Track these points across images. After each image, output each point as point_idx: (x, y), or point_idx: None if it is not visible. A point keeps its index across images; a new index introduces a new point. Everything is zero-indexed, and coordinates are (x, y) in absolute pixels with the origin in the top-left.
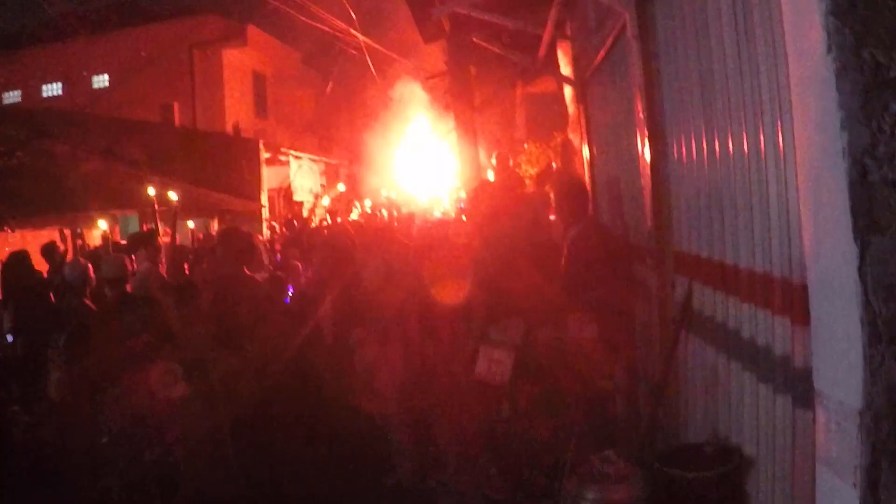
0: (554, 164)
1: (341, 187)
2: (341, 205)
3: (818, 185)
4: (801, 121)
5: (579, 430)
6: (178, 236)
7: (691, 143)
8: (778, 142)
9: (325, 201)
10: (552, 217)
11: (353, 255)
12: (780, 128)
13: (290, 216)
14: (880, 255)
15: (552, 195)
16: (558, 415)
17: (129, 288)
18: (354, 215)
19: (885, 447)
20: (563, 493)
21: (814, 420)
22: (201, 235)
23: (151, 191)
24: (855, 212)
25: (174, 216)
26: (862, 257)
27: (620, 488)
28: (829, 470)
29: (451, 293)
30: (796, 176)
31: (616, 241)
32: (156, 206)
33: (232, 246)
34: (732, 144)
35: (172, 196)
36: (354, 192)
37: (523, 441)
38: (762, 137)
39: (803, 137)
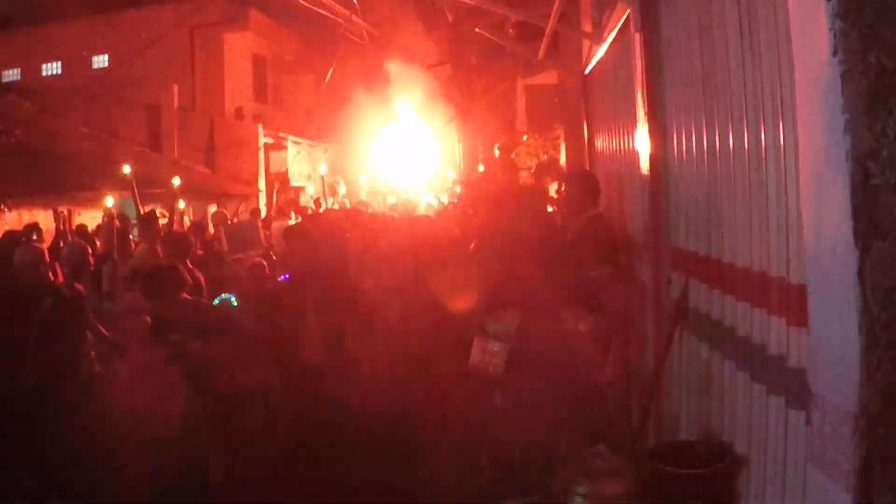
0: (545, 156)
1: (323, 169)
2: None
3: (820, 187)
4: (805, 122)
5: (572, 423)
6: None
7: (692, 139)
8: (779, 140)
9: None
10: (550, 209)
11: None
12: (781, 126)
13: (256, 206)
14: (880, 259)
15: (553, 187)
16: (551, 408)
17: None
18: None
19: (878, 451)
20: (555, 487)
21: (808, 422)
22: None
23: (127, 170)
24: (856, 215)
25: (174, 199)
26: (862, 261)
27: (612, 483)
28: (822, 472)
29: (448, 284)
30: (798, 177)
31: (618, 234)
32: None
33: (168, 246)
34: (733, 142)
35: (175, 180)
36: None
37: (515, 433)
38: (763, 136)
39: (807, 139)
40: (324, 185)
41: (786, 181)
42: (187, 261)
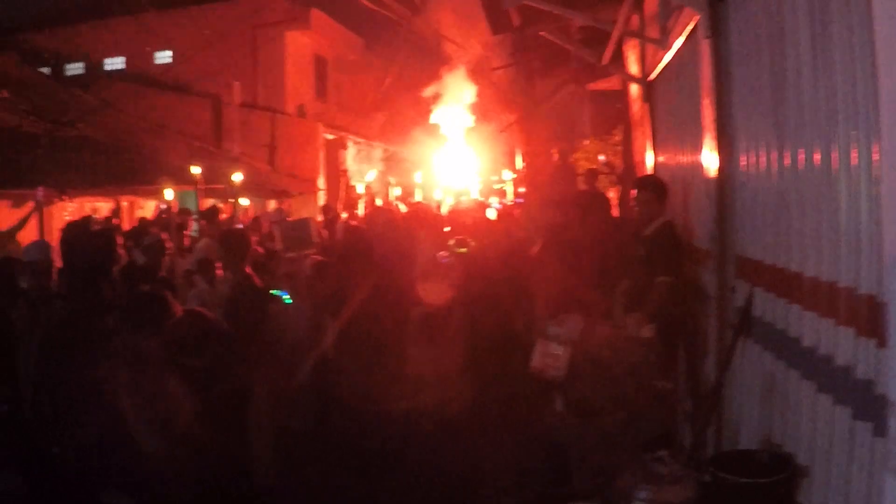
0: (602, 157)
1: (371, 175)
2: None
3: None
4: (890, 133)
5: (633, 429)
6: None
7: (760, 148)
8: (851, 152)
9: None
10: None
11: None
12: (856, 137)
13: (325, 203)
14: None
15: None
16: (612, 413)
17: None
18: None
19: None
20: (615, 492)
21: (878, 433)
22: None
23: (195, 171)
24: None
25: (235, 195)
26: None
27: (673, 490)
28: None
29: (511, 286)
30: (880, 190)
31: (686, 242)
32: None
33: (225, 245)
34: (804, 152)
35: (236, 176)
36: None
37: (575, 437)
38: (837, 146)
39: (891, 150)
40: (372, 187)
41: (858, 193)
42: (246, 263)
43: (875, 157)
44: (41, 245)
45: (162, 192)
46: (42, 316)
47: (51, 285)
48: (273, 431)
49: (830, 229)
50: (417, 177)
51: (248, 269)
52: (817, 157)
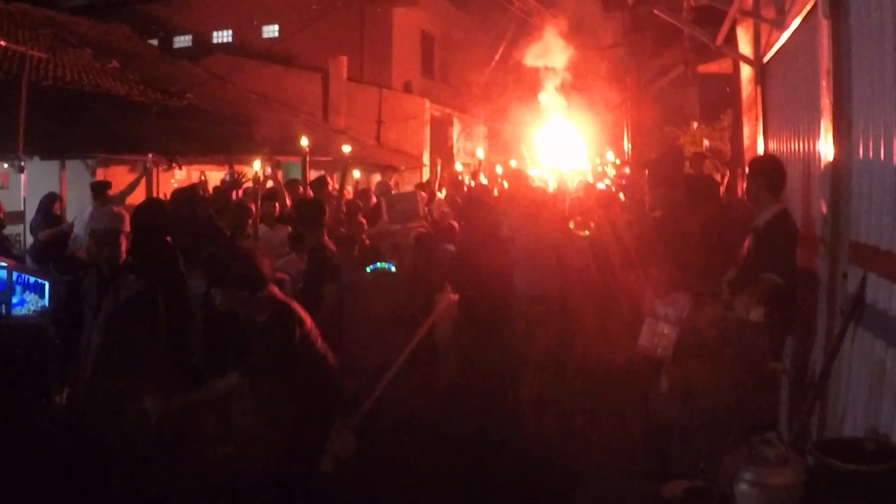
0: (707, 142)
1: (479, 152)
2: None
3: None
4: None
5: (737, 412)
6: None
7: (880, 132)
8: None
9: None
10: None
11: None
12: None
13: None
14: None
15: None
16: (717, 394)
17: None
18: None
19: None
20: (720, 472)
21: None
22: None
23: (304, 142)
24: None
25: (345, 168)
26: None
27: (780, 473)
28: None
29: (624, 266)
30: None
31: (800, 232)
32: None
33: (301, 214)
34: None
35: (345, 148)
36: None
37: (679, 417)
38: None
39: None
40: (477, 165)
41: None
42: (324, 234)
43: None
44: (109, 213)
45: (271, 162)
46: (110, 290)
47: (118, 257)
48: (350, 402)
49: None
50: (517, 158)
51: (325, 238)
52: None
